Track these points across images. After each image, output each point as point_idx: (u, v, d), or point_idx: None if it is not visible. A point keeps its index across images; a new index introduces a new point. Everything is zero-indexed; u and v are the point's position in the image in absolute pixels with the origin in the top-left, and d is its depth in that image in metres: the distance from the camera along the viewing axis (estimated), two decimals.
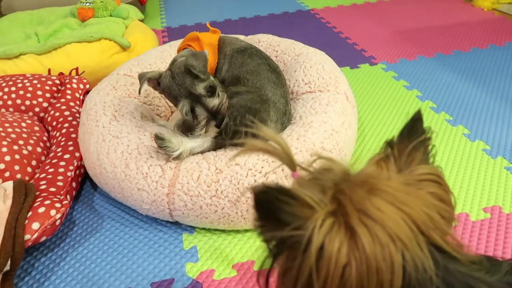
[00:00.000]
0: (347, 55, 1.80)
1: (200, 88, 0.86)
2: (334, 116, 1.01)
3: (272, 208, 0.36)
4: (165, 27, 2.29)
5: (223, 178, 0.87)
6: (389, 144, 0.43)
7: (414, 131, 0.43)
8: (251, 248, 0.93)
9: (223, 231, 0.98)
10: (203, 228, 0.99)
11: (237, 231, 0.97)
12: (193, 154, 0.92)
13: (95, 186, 1.14)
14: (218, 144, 0.93)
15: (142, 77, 0.95)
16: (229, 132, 0.89)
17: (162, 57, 1.32)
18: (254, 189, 0.36)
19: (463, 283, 0.35)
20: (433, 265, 0.34)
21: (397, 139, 0.43)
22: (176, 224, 1.00)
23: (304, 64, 1.17)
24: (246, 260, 0.90)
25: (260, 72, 0.96)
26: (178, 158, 0.90)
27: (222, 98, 0.89)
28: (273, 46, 1.32)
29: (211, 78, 0.91)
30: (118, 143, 0.96)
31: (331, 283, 0.34)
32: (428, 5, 2.31)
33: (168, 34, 2.17)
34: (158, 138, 0.86)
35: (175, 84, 0.89)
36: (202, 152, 0.92)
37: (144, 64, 1.27)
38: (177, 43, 1.39)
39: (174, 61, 0.93)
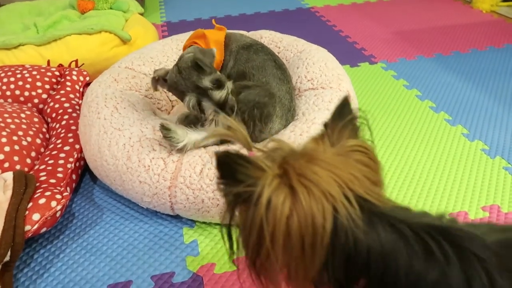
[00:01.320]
0: (347, 53, 1.80)
1: (207, 81, 0.86)
2: None
3: (230, 169, 0.45)
4: (165, 21, 2.28)
5: None
6: (324, 125, 0.52)
7: (342, 114, 0.51)
8: None
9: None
10: (204, 222, 0.98)
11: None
12: (197, 148, 0.92)
13: (95, 178, 1.13)
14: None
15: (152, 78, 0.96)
16: None
17: (163, 51, 1.31)
18: (217, 153, 0.45)
19: (385, 221, 0.43)
20: (358, 211, 0.43)
21: (330, 121, 0.52)
22: (177, 217, 1.00)
23: (307, 61, 1.17)
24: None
25: (266, 68, 0.96)
26: (182, 150, 0.90)
27: (228, 89, 0.89)
28: (275, 42, 1.31)
29: (217, 72, 0.91)
30: (120, 135, 0.96)
31: (278, 230, 0.43)
32: (428, 6, 2.33)
33: (168, 29, 2.16)
34: (164, 128, 0.86)
35: (181, 78, 0.89)
36: (205, 146, 0.92)
37: (146, 58, 1.26)
38: (178, 37, 1.39)
39: (181, 58, 0.92)
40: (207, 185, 0.88)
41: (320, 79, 1.12)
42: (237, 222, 0.48)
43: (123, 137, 0.95)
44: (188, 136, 0.89)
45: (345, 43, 1.91)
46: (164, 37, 2.01)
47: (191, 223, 0.99)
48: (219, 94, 0.86)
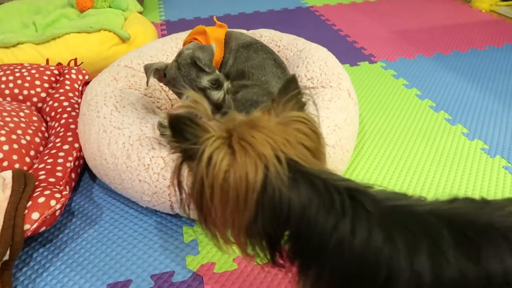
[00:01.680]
0: (346, 52, 1.80)
1: (205, 81, 0.86)
2: (337, 112, 1.01)
3: (180, 129, 0.52)
4: (164, 20, 2.27)
5: None
6: (271, 99, 0.58)
7: (288, 89, 0.57)
8: None
9: None
10: None
11: None
12: None
13: (94, 177, 1.13)
14: None
15: (148, 68, 0.94)
16: None
17: (163, 50, 1.31)
18: (169, 115, 0.52)
19: (306, 179, 0.49)
20: (286, 170, 0.49)
21: (276, 95, 0.58)
22: (176, 216, 1.00)
23: (307, 60, 1.17)
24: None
25: (266, 66, 0.96)
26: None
27: (225, 89, 0.89)
28: (275, 41, 1.31)
29: (217, 72, 0.90)
30: (120, 134, 0.95)
31: (216, 183, 0.49)
32: (427, 5, 2.33)
33: (167, 28, 2.16)
34: (161, 125, 0.86)
35: (180, 75, 0.89)
36: None
37: (145, 56, 1.26)
38: (178, 35, 1.39)
39: (180, 53, 0.92)
40: None
41: (320, 78, 1.12)
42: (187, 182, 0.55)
43: (123, 136, 0.95)
44: None
45: (344, 42, 1.91)
46: (163, 35, 2.01)
47: (191, 222, 0.99)
48: (217, 95, 0.86)
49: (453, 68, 1.64)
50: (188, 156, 0.53)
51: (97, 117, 1.01)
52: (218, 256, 0.90)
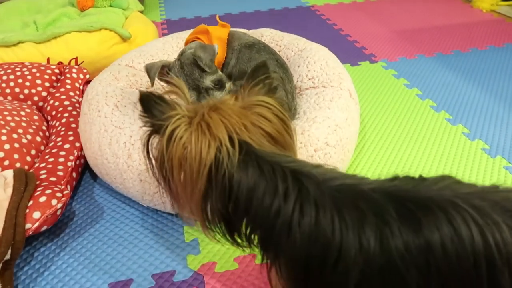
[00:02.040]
0: (347, 52, 1.80)
1: (208, 81, 0.86)
2: (338, 112, 1.01)
3: (149, 105, 0.56)
4: (165, 19, 2.27)
5: None
6: (239, 84, 0.61)
7: (256, 74, 0.60)
8: None
9: None
10: None
11: None
12: None
13: (95, 176, 1.13)
14: None
15: (151, 67, 0.93)
16: None
17: (164, 49, 1.31)
18: (141, 92, 0.56)
19: (255, 161, 0.52)
20: (238, 152, 0.52)
21: (245, 80, 0.60)
22: (178, 216, 1.00)
23: (308, 60, 1.17)
24: (248, 253, 0.90)
25: (268, 67, 0.95)
26: None
27: (228, 89, 0.89)
28: (276, 41, 1.31)
29: (219, 72, 0.90)
30: (121, 133, 0.95)
31: (175, 157, 0.54)
32: (428, 5, 2.32)
33: (168, 27, 2.16)
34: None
35: (183, 74, 0.89)
36: None
37: (146, 56, 1.26)
38: (179, 35, 1.39)
39: (183, 52, 0.92)
40: None
41: (321, 78, 1.12)
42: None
43: (124, 135, 0.95)
44: None
45: (345, 42, 1.91)
46: (164, 35, 2.01)
47: (192, 221, 0.99)
48: (219, 95, 0.86)
49: (454, 68, 1.64)
50: (155, 130, 0.58)
51: (98, 116, 1.01)
52: (219, 255, 0.90)
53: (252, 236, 0.55)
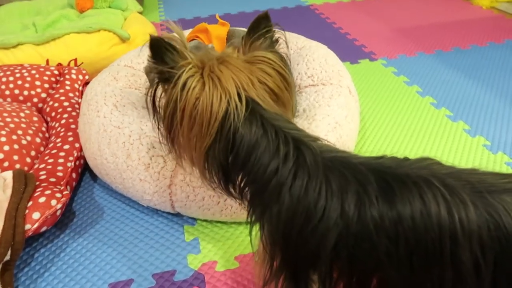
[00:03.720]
0: (347, 50, 1.80)
1: None
2: (338, 109, 1.01)
3: (160, 51, 0.56)
4: (164, 20, 2.27)
5: None
6: (242, 38, 0.61)
7: (257, 27, 0.60)
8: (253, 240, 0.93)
9: (224, 223, 0.97)
10: (205, 220, 0.98)
11: (239, 223, 0.97)
12: None
13: (95, 177, 1.12)
14: None
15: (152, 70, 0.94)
16: None
17: None
18: (151, 36, 0.56)
19: (260, 121, 0.55)
20: (244, 108, 0.55)
21: (246, 34, 0.61)
22: (178, 215, 0.99)
23: (307, 58, 1.16)
24: (248, 252, 0.90)
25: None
26: None
27: None
28: None
29: None
30: (120, 133, 0.95)
31: (187, 106, 0.54)
32: (427, 2, 2.32)
33: (167, 27, 2.16)
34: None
35: None
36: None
37: (145, 56, 1.25)
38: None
39: None
40: None
41: (320, 76, 1.11)
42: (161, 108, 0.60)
43: (123, 135, 0.95)
44: None
45: (345, 40, 1.90)
46: None
47: (192, 221, 0.98)
48: None
49: (454, 65, 1.63)
50: (164, 78, 0.57)
51: (97, 116, 1.00)
52: (219, 255, 0.90)
53: (245, 190, 0.58)
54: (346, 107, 1.03)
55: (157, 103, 0.60)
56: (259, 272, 0.59)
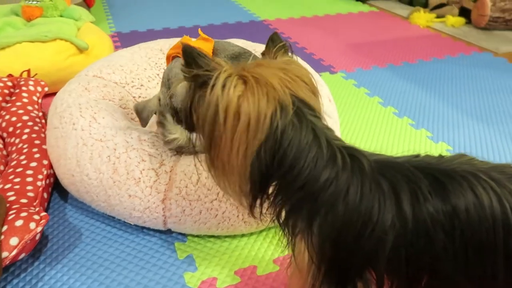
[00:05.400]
0: (307, 63, 1.85)
1: None
2: None
3: (194, 58, 0.54)
4: (115, 32, 2.17)
5: None
6: (262, 53, 0.62)
7: (274, 42, 0.61)
8: (251, 253, 0.90)
9: (217, 237, 0.93)
10: (196, 236, 0.93)
11: (233, 237, 0.94)
12: (189, 154, 0.87)
13: (65, 197, 1.02)
14: None
15: (144, 109, 0.91)
16: None
17: (133, 59, 1.24)
18: (183, 44, 0.55)
19: (310, 128, 0.53)
20: (291, 105, 0.52)
21: (265, 49, 0.62)
22: (166, 233, 0.94)
23: None
24: (248, 265, 0.87)
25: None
26: (172, 143, 0.85)
27: None
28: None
29: None
30: (103, 146, 0.88)
31: (230, 107, 0.51)
32: (371, 20, 2.48)
33: (120, 39, 2.07)
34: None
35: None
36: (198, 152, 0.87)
37: (115, 66, 1.19)
38: (146, 45, 1.33)
39: (168, 77, 0.89)
40: (205, 195, 0.84)
41: None
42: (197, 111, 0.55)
43: (107, 149, 0.88)
44: (180, 131, 0.84)
45: (303, 54, 1.96)
46: (116, 47, 1.91)
47: (182, 237, 0.93)
48: None
49: (407, 77, 1.75)
50: (200, 83, 0.54)
51: (73, 129, 0.92)
52: (218, 270, 0.86)
53: (278, 200, 0.55)
54: (328, 115, 1.06)
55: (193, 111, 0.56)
56: (301, 283, 0.57)
